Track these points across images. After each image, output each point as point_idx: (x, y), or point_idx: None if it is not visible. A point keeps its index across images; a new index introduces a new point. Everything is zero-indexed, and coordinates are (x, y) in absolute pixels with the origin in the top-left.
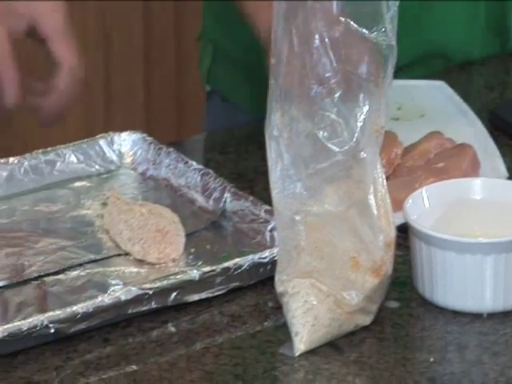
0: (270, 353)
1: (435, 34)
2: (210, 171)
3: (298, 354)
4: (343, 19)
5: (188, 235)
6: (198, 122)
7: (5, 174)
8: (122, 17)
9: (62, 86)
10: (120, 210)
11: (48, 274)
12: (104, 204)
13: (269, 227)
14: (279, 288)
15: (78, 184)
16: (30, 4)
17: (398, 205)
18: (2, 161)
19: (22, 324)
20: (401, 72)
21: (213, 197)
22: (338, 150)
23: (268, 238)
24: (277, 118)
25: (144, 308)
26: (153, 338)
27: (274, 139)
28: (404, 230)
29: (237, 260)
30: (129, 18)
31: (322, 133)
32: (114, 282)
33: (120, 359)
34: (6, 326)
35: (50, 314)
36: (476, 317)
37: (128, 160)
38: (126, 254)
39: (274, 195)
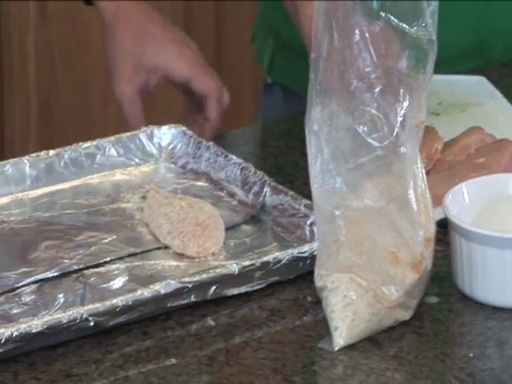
0: (309, 347)
1: (496, 20)
2: (250, 165)
3: (337, 348)
4: (383, 14)
5: (227, 229)
6: (237, 118)
7: (45, 166)
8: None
9: (214, 116)
10: (160, 203)
11: (87, 267)
12: (144, 197)
13: (308, 222)
14: (318, 283)
15: (117, 177)
16: (157, 55)
17: (437, 200)
18: (42, 154)
19: (62, 317)
20: (458, 59)
21: (252, 191)
22: (377, 144)
23: (307, 232)
24: (317, 112)
25: (183, 301)
26: (192, 332)
27: (313, 134)
28: (444, 226)
29: (276, 254)
30: (169, 18)
31: (361, 127)
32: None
33: (159, 352)
34: (45, 319)
35: (90, 307)
36: None
37: (168, 153)
38: (166, 247)
39: (313, 190)
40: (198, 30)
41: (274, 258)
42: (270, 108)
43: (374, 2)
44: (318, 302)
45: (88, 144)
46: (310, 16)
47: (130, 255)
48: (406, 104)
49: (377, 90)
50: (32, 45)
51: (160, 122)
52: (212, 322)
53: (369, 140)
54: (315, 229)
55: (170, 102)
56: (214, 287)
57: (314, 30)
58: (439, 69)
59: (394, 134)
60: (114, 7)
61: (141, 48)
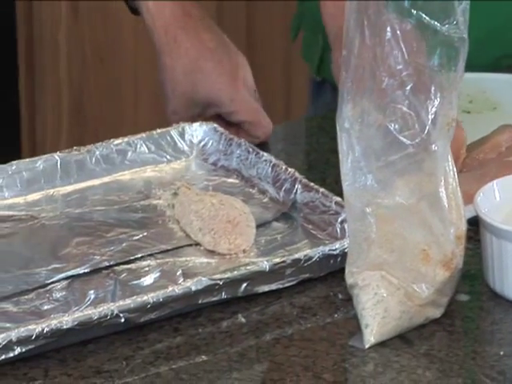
0: (339, 345)
1: None
2: (281, 162)
3: (367, 346)
4: (415, 12)
5: (258, 226)
6: (269, 116)
7: (76, 163)
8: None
9: (256, 142)
10: (191, 200)
11: (118, 264)
12: (175, 194)
13: (339, 219)
14: (349, 280)
15: (149, 174)
16: (210, 97)
17: (468, 198)
18: (74, 150)
19: (93, 313)
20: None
21: (284, 188)
22: (409, 142)
23: (338, 229)
24: (348, 109)
25: (214, 298)
26: (223, 329)
27: (345, 131)
28: (475, 223)
29: (307, 251)
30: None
31: (393, 125)
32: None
33: (190, 349)
34: (76, 315)
35: (121, 303)
36: None
37: (199, 150)
38: (197, 244)
39: (344, 187)
40: (229, 29)
41: (305, 255)
42: (319, 106)
43: (406, 1)
44: (348, 300)
45: (119, 140)
46: (331, 15)
47: (160, 252)
48: (437, 102)
49: (408, 87)
50: (64, 43)
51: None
52: (243, 319)
53: (400, 138)
54: (346, 226)
55: None
56: (244, 284)
57: (346, 28)
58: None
59: (426, 132)
60: (163, 32)
61: (193, 85)
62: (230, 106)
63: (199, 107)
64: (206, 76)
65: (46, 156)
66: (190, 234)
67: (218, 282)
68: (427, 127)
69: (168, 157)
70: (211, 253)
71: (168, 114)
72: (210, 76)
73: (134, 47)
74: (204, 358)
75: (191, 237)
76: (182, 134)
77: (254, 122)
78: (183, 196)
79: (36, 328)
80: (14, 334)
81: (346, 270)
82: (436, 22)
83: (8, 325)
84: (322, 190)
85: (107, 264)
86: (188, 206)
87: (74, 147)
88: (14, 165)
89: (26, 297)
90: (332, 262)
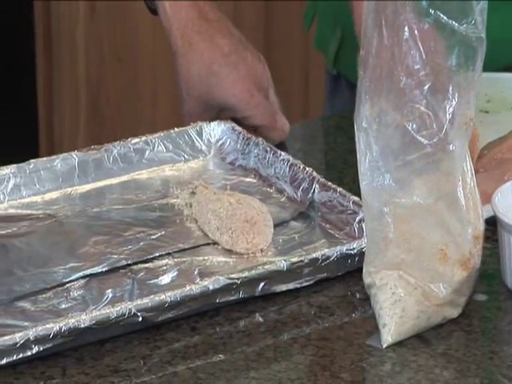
0: (357, 344)
1: None
2: (299, 162)
3: (385, 345)
4: (433, 11)
5: (276, 225)
6: (286, 116)
7: (94, 161)
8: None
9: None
10: (208, 199)
11: (136, 263)
12: (192, 193)
13: (357, 218)
14: (367, 279)
15: (166, 173)
16: (225, 102)
17: (486, 198)
18: (92, 149)
19: (110, 312)
20: None
21: (301, 187)
22: (426, 142)
23: (356, 229)
24: (366, 109)
25: (232, 298)
26: (240, 328)
27: (363, 131)
28: (492, 223)
29: (325, 251)
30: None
31: (410, 125)
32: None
33: (207, 348)
34: (93, 314)
35: (138, 302)
36: None
37: (217, 149)
38: (215, 243)
39: (362, 187)
40: (247, 28)
41: (323, 255)
42: (336, 99)
43: (424, 1)
44: (366, 299)
45: (137, 139)
46: (361, 16)
47: (178, 251)
48: (454, 101)
49: (426, 87)
50: (82, 42)
51: None
52: (260, 319)
53: (418, 137)
54: (364, 226)
55: None
56: (262, 283)
57: (364, 28)
58: None
59: (443, 132)
60: (179, 34)
61: (208, 89)
62: (244, 111)
63: (214, 110)
64: (221, 81)
65: (63, 155)
66: (208, 233)
67: (236, 281)
68: (445, 127)
69: (186, 156)
70: (229, 252)
71: (183, 115)
72: (224, 81)
73: (151, 46)
74: (221, 357)
75: (209, 236)
76: (199, 133)
77: (270, 126)
78: (201, 195)
79: (54, 327)
80: (31, 333)
81: (364, 270)
82: (454, 22)
83: (26, 323)
84: (339, 189)
85: (125, 263)
86: (206, 205)
87: (92, 146)
88: (32, 164)
89: (44, 295)
90: (350, 261)
